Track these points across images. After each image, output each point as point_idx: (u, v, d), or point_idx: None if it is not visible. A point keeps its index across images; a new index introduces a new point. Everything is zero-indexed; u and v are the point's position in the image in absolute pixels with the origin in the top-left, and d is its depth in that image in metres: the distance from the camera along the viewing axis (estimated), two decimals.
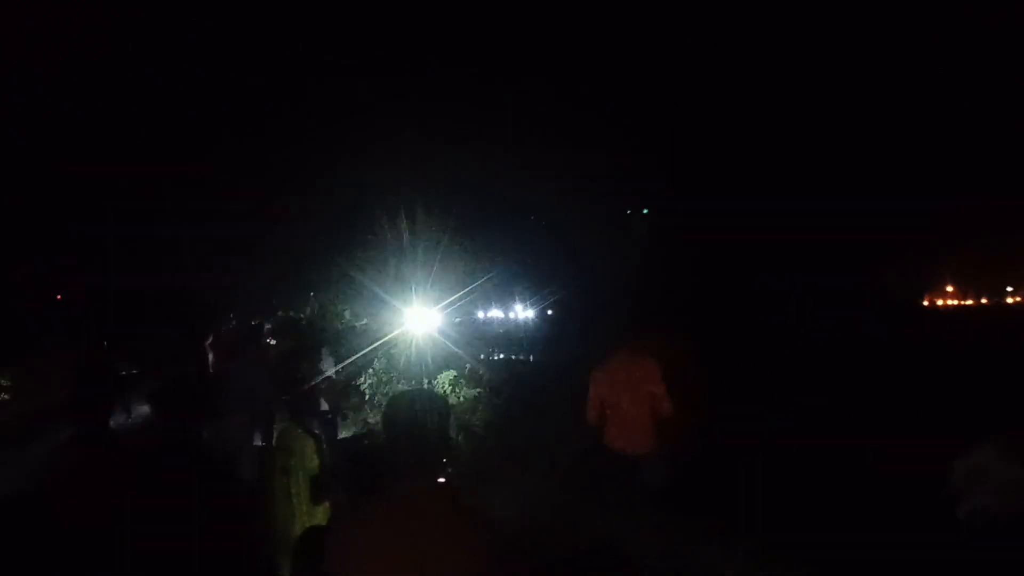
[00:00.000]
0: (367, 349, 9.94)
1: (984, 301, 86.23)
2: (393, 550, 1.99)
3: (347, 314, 12.26)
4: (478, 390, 10.44)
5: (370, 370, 10.44)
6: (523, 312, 44.39)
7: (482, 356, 13.44)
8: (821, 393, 13.13)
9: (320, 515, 3.99)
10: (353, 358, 9.70)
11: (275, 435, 4.72)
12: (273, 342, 10.71)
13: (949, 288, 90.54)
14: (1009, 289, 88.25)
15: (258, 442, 7.33)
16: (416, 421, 2.14)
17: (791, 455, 8.89)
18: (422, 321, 10.21)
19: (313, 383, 4.76)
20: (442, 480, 2.19)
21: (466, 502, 2.19)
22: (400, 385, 9.89)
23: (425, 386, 9.53)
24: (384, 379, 10.25)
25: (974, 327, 37.48)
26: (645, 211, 51.58)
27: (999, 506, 3.63)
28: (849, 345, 24.05)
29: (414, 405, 2.18)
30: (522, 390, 12.29)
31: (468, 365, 10.69)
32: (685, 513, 5.91)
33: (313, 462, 4.07)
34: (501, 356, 20.26)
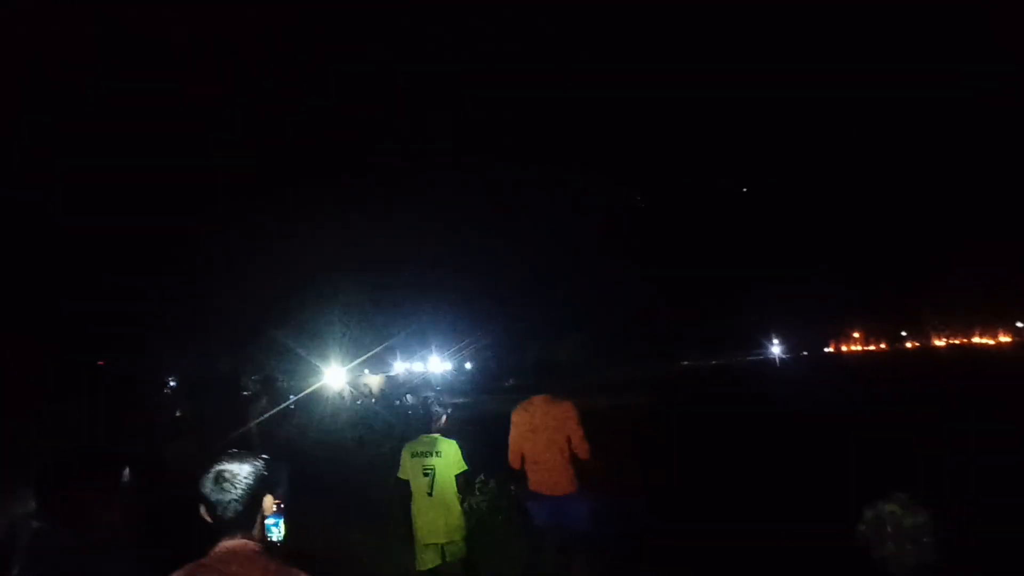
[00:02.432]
0: (283, 405, 10.34)
1: (883, 346, 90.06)
2: None
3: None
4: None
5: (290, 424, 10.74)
6: (440, 365, 45.23)
7: (397, 402, 13.74)
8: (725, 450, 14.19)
9: None
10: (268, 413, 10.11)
11: None
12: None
13: (855, 335, 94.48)
14: (903, 334, 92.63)
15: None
16: (223, 490, 2.30)
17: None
18: (337, 377, 10.66)
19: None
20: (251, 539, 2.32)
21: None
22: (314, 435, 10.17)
23: None
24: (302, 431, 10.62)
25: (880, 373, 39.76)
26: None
27: (906, 552, 3.77)
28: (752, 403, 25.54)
29: (222, 476, 2.32)
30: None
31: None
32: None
33: None
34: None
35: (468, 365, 49.01)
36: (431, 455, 5.43)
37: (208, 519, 2.34)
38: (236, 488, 2.31)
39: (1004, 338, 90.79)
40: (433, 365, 48.50)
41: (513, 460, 5.84)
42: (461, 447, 5.50)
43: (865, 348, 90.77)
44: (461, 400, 25.57)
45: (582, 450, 5.61)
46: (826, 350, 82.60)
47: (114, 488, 4.16)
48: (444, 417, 5.68)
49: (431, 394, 6.09)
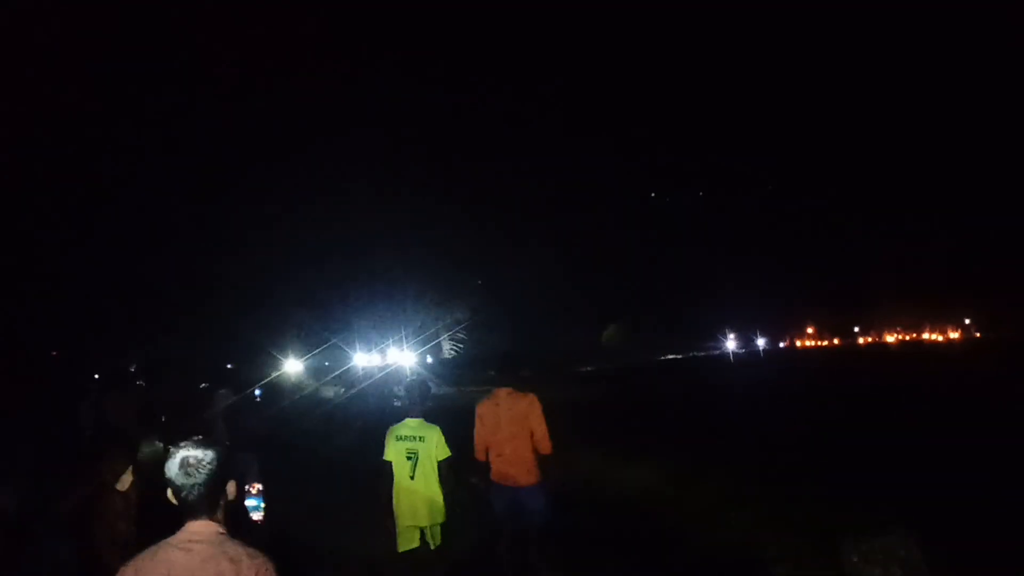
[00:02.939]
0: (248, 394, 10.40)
1: (837, 342, 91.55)
2: None
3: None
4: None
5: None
6: (403, 359, 45.08)
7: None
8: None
9: None
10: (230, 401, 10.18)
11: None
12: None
13: (809, 330, 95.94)
14: (856, 330, 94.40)
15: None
16: (188, 474, 2.44)
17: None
18: (295, 367, 10.72)
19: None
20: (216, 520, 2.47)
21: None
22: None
23: None
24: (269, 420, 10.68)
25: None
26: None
27: None
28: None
29: (187, 462, 2.45)
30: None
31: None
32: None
33: None
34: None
35: (429, 359, 48.90)
36: (415, 439, 5.56)
37: (174, 502, 2.48)
38: (200, 473, 2.44)
39: (953, 334, 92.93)
40: (393, 358, 48.30)
41: (479, 452, 5.90)
42: (445, 433, 5.63)
43: (819, 343, 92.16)
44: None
45: (544, 443, 5.70)
46: (781, 345, 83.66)
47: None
48: (429, 401, 5.88)
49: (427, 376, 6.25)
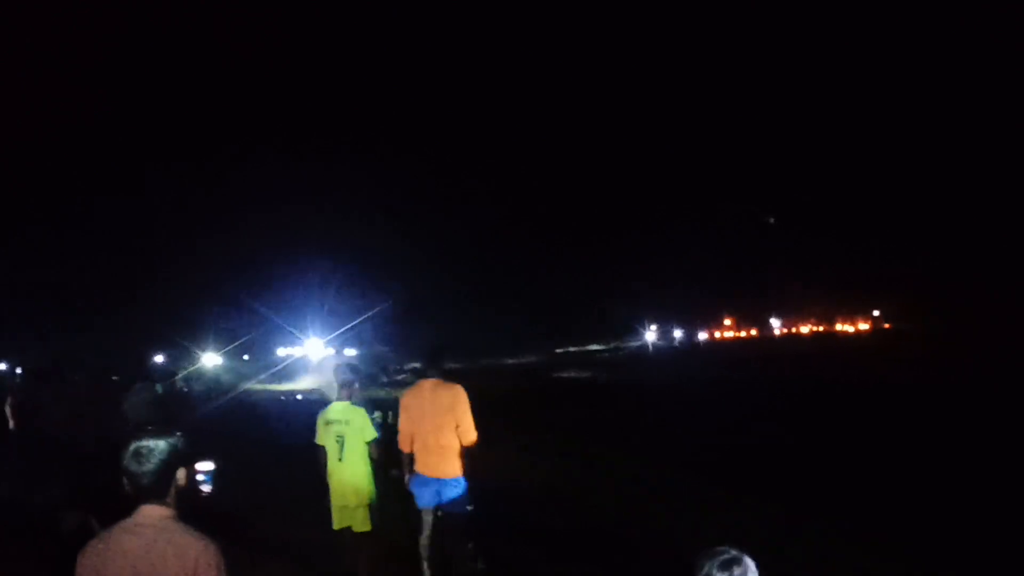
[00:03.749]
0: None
1: (754, 333, 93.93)
2: (127, 566, 2.47)
3: None
4: None
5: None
6: (321, 349, 44.83)
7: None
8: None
9: None
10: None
11: None
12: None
13: (727, 321, 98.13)
14: (773, 321, 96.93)
15: None
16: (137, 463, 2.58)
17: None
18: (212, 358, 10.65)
19: None
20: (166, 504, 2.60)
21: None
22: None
23: None
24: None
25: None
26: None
27: None
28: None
29: (138, 450, 2.58)
30: None
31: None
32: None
33: None
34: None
35: (351, 352, 48.52)
36: (341, 423, 5.70)
37: (128, 488, 2.60)
38: (151, 462, 2.58)
39: (863, 325, 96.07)
40: (311, 349, 47.91)
41: (403, 443, 5.85)
42: (370, 416, 5.77)
43: (736, 335, 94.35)
44: None
45: (469, 435, 5.68)
46: (700, 336, 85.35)
47: None
48: (356, 384, 5.95)
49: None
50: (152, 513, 2.57)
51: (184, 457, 2.69)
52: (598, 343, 66.38)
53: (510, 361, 48.66)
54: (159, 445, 2.61)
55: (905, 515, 7.44)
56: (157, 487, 2.59)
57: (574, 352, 60.13)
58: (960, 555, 6.22)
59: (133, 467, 2.58)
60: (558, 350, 59.37)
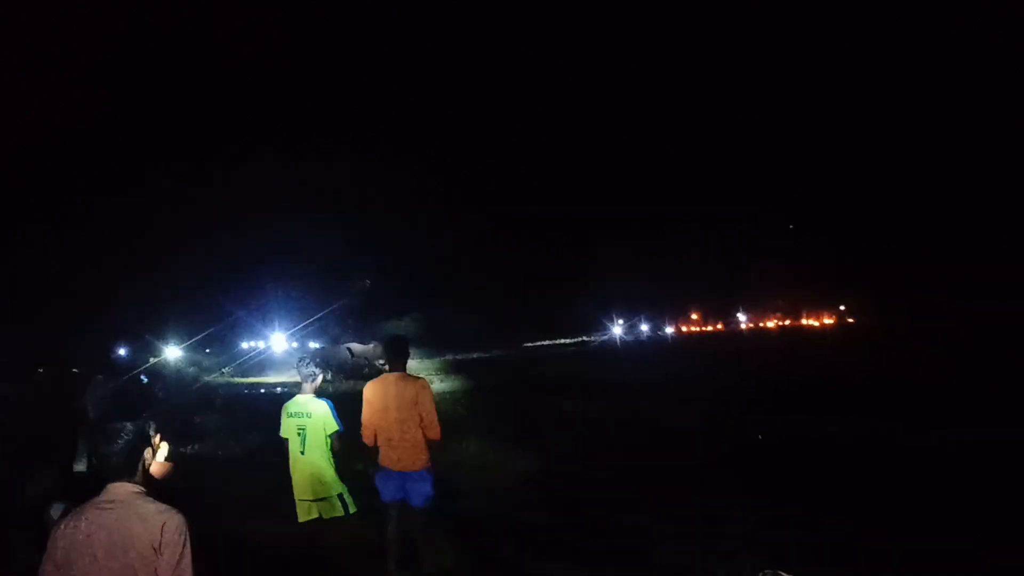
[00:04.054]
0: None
1: (720, 327, 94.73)
2: (98, 540, 2.67)
3: None
4: None
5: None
6: (284, 343, 44.74)
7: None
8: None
9: None
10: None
11: None
12: None
13: (694, 316, 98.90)
14: (740, 317, 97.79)
15: None
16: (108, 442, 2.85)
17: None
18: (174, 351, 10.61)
19: None
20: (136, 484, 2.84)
21: None
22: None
23: None
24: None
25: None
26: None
27: None
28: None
29: (107, 431, 2.86)
30: None
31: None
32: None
33: None
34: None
35: (314, 344, 48.17)
36: (303, 415, 5.71)
37: (99, 468, 2.87)
38: (119, 442, 2.84)
39: (828, 320, 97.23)
40: (275, 342, 47.60)
41: (366, 436, 5.86)
42: (332, 408, 5.73)
43: (703, 329, 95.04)
44: None
45: (433, 429, 5.70)
46: (668, 331, 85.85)
47: None
48: (320, 377, 5.97)
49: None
50: (120, 490, 2.79)
51: (148, 439, 2.93)
52: (566, 337, 66.56)
53: (479, 355, 48.61)
54: (126, 427, 2.86)
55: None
56: (126, 466, 2.83)
57: (546, 346, 60.25)
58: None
59: (103, 448, 2.83)
60: (527, 344, 59.43)
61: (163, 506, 2.76)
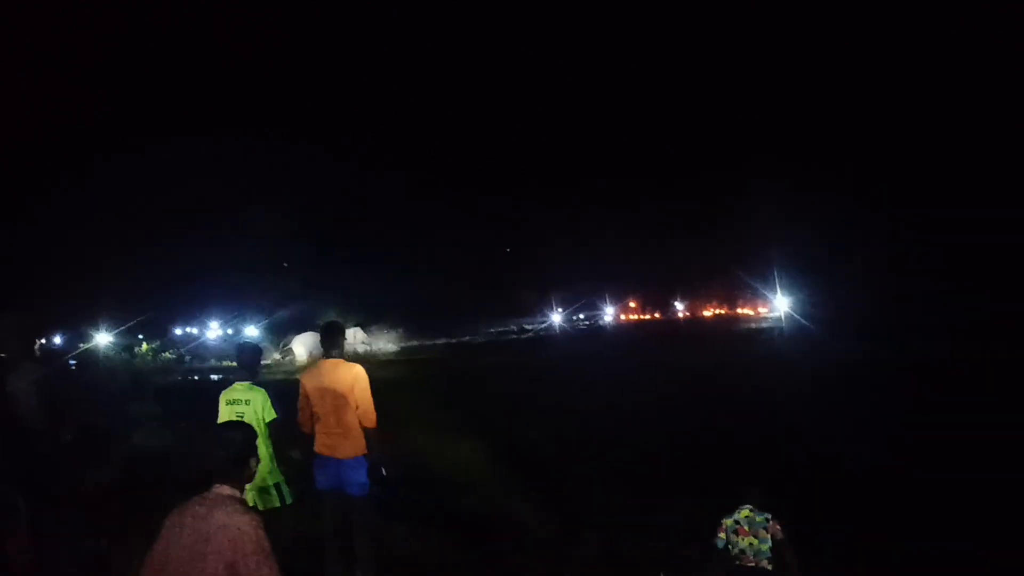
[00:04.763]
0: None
1: (658, 315, 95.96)
2: (190, 537, 2.86)
3: None
4: None
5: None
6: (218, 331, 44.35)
7: None
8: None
9: None
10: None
11: None
12: None
13: (632, 304, 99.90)
14: (678, 306, 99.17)
15: None
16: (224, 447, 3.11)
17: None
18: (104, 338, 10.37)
19: None
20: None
21: None
22: None
23: None
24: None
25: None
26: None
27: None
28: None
29: (235, 432, 3.15)
30: None
31: None
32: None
33: None
34: None
35: (252, 332, 47.56)
36: (241, 403, 5.60)
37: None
38: (230, 449, 3.11)
39: (762, 309, 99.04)
40: (211, 330, 46.98)
41: (303, 422, 5.77)
42: (271, 396, 5.61)
43: (641, 317, 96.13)
44: None
45: (369, 416, 5.62)
46: (605, 319, 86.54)
47: None
48: (259, 363, 5.97)
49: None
50: (222, 491, 3.03)
51: (255, 449, 3.22)
52: (503, 326, 66.65)
53: (420, 343, 48.49)
54: (238, 436, 3.17)
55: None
56: (233, 469, 3.10)
57: (486, 333, 60.36)
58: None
59: (217, 451, 3.10)
60: (467, 337, 59.42)
61: (250, 508, 3.05)
